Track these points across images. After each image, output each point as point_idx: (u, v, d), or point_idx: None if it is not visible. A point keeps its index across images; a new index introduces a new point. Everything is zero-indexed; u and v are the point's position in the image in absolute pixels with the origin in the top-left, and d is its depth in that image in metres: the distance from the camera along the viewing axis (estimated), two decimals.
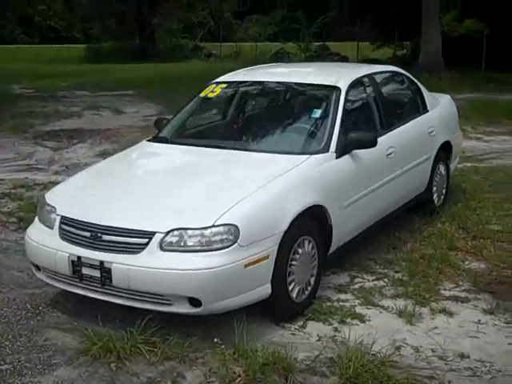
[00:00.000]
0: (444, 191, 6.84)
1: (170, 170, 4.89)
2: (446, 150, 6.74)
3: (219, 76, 6.01)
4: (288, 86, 5.61)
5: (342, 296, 4.75)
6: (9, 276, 5.19)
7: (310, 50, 32.71)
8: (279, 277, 4.17)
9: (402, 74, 6.52)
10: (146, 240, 3.94)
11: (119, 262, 3.94)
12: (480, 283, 4.98)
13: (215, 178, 4.61)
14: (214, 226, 3.90)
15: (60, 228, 4.29)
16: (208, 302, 3.89)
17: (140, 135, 11.65)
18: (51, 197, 4.61)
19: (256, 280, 4.04)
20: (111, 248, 4.02)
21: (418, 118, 6.24)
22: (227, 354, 3.82)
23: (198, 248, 3.89)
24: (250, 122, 5.42)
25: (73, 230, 4.21)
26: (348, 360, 3.69)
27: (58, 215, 4.35)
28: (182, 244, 3.92)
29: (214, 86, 5.82)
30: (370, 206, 5.23)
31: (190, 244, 3.91)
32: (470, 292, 4.85)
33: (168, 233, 3.92)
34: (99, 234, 4.06)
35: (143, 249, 3.93)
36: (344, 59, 31.59)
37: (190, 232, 3.92)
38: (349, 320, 4.37)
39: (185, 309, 3.94)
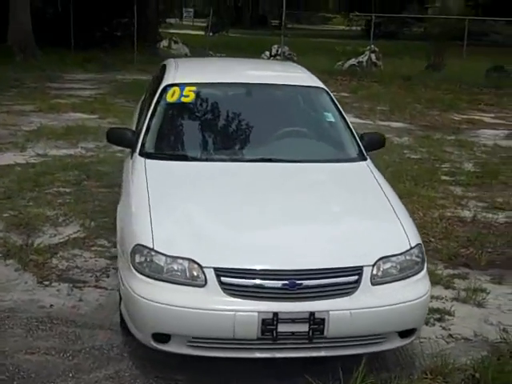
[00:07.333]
0: None
1: (266, 192, 4.11)
2: None
3: None
4: (273, 89, 5.18)
5: None
6: (32, 365, 3.74)
7: None
8: None
9: None
10: (356, 277, 3.49)
11: (338, 309, 3.40)
12: (447, 255, 5.60)
13: (327, 195, 4.23)
14: (411, 248, 3.69)
15: (221, 283, 3.38)
16: (418, 329, 3.70)
17: None
18: (169, 247, 3.48)
19: None
20: (319, 294, 3.43)
21: None
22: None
23: (401, 275, 3.63)
24: (265, 131, 4.66)
25: (248, 282, 3.40)
26: None
27: (206, 268, 3.39)
28: (385, 274, 3.59)
29: (178, 89, 4.86)
30: None
31: (393, 272, 3.62)
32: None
33: (374, 264, 3.55)
34: (297, 281, 3.39)
35: (356, 288, 3.47)
36: None
37: (391, 259, 3.62)
38: (476, 295, 4.75)
39: (397, 343, 3.68)
